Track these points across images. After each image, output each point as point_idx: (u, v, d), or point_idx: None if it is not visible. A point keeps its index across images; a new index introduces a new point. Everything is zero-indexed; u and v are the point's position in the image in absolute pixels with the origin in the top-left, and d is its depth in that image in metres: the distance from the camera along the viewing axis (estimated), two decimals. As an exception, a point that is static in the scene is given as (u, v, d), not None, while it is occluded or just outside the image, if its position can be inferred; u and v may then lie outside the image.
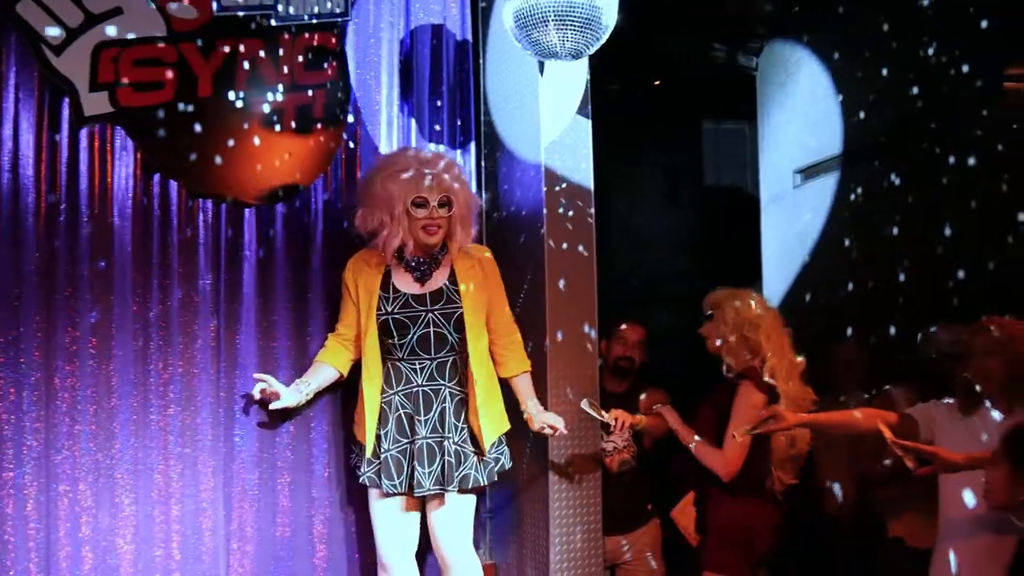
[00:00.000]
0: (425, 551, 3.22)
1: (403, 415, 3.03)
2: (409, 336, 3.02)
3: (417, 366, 3.04)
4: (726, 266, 5.48)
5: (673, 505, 3.59)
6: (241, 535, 3.10)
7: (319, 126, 3.28)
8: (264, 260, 3.17)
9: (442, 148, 3.65)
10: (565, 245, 3.41)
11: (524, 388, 3.18)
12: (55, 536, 2.80)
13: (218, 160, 3.08)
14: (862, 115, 4.42)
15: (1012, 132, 3.61)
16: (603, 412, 3.25)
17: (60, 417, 2.83)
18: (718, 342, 3.34)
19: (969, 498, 2.67)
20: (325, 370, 3.13)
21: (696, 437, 3.26)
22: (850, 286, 4.23)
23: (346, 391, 3.27)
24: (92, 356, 2.86)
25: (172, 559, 2.92)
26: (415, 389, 3.05)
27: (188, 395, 2.98)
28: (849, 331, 4.08)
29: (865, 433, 2.91)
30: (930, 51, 3.99)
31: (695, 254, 5.44)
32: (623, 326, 3.84)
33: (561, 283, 3.36)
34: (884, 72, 4.27)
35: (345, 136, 3.38)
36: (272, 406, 3.05)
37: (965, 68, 3.83)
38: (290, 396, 3.04)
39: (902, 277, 4.03)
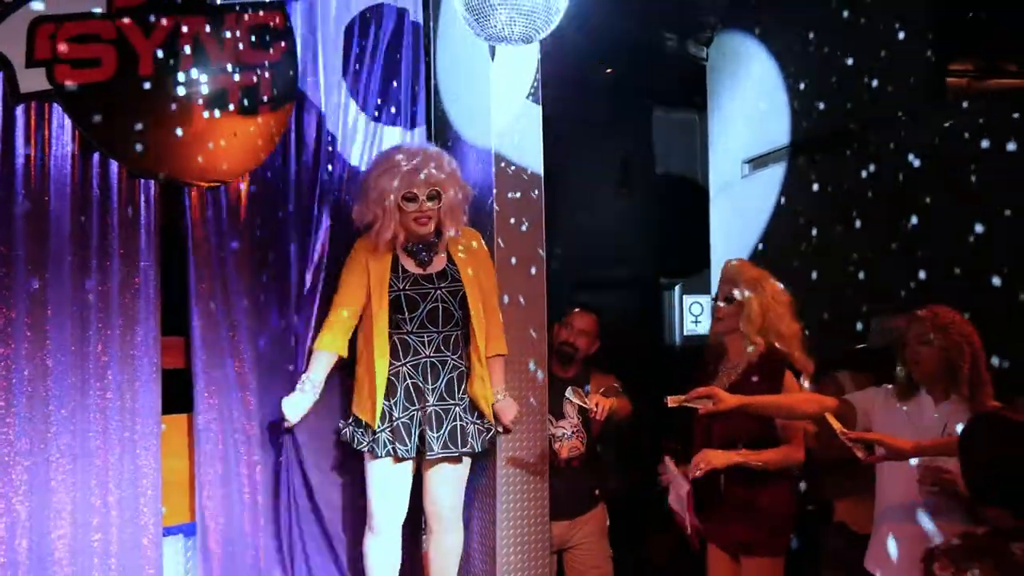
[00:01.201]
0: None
1: (411, 385, 3.22)
2: (419, 311, 3.24)
3: (425, 339, 3.25)
4: (675, 254, 5.55)
5: (622, 492, 3.59)
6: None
7: (265, 107, 3.23)
8: (206, 241, 3.11)
9: (397, 130, 3.62)
10: (514, 227, 3.42)
11: (497, 371, 3.37)
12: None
13: (160, 140, 3.00)
14: (810, 107, 4.48)
15: (952, 128, 3.69)
16: (587, 400, 3.33)
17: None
18: (744, 325, 3.15)
19: (906, 485, 2.72)
20: (327, 358, 3.26)
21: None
22: (797, 275, 4.29)
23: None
24: (27, 338, 2.78)
25: (110, 544, 2.86)
26: (423, 360, 3.24)
27: (128, 378, 2.91)
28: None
29: (802, 417, 2.95)
30: (877, 45, 4.05)
31: (645, 242, 5.47)
32: (572, 312, 3.81)
33: (513, 261, 3.42)
34: (832, 65, 4.34)
35: (292, 117, 3.34)
36: (296, 420, 3.17)
37: (910, 63, 3.90)
38: (306, 400, 3.19)
39: (849, 267, 4.11)
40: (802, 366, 3.14)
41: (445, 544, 3.30)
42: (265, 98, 3.23)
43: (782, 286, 3.24)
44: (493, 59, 3.35)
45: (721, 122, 5.18)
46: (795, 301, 3.22)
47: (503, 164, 3.40)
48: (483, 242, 3.40)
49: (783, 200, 4.62)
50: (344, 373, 3.32)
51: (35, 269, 2.81)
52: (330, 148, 3.44)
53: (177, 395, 3.15)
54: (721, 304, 3.23)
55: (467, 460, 3.31)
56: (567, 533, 3.68)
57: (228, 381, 3.16)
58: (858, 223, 4.11)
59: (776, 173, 4.68)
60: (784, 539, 3.16)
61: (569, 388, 3.34)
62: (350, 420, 3.28)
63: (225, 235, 3.17)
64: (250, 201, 3.23)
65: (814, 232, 4.37)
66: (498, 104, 3.40)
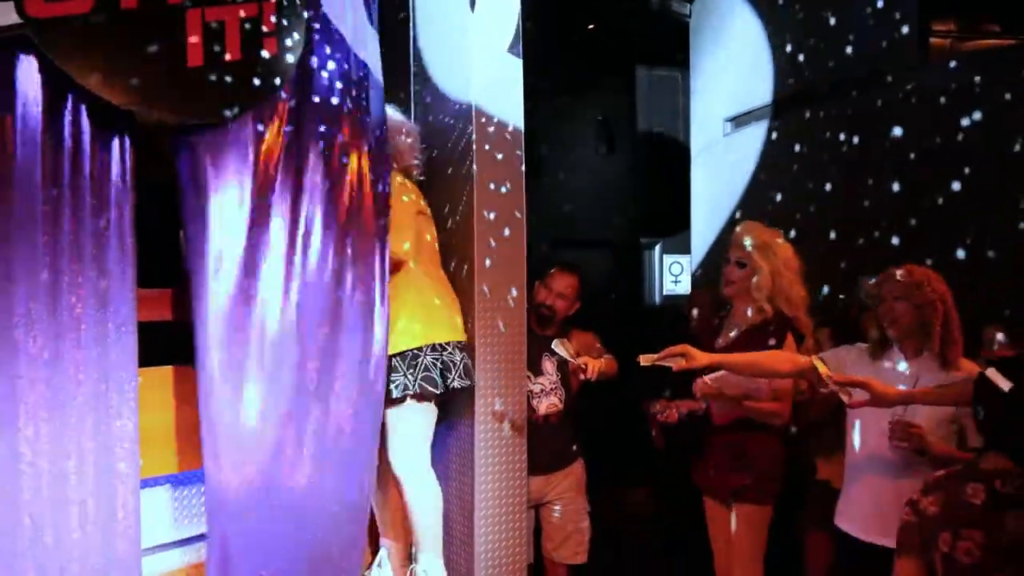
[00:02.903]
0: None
1: None
2: None
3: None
4: (656, 213, 5.55)
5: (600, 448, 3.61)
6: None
7: (271, 39, 3.02)
8: (195, 189, 3.01)
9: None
10: (493, 185, 3.39)
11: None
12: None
13: (145, 78, 2.85)
14: (793, 65, 4.46)
15: (934, 86, 3.69)
16: (574, 355, 3.31)
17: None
18: (754, 291, 3.22)
19: (876, 441, 2.76)
20: None
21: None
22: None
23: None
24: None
25: (86, 496, 2.83)
26: None
27: (101, 332, 2.86)
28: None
29: (777, 375, 2.97)
30: (861, 4, 4.03)
31: (625, 201, 5.47)
32: (552, 272, 3.79)
33: (491, 217, 3.37)
34: (815, 23, 4.32)
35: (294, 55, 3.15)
36: None
37: (893, 23, 3.89)
38: None
39: (828, 226, 4.12)
40: (805, 329, 3.23)
41: (405, 494, 3.24)
42: (269, 31, 3.00)
43: (792, 250, 3.29)
44: (473, 9, 3.30)
45: (703, 80, 5.16)
46: (803, 265, 3.28)
47: (483, 119, 3.36)
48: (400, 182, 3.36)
49: (765, 159, 4.62)
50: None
51: (4, 219, 2.71)
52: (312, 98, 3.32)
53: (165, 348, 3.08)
54: (733, 269, 3.28)
55: (409, 406, 3.21)
56: (544, 488, 3.71)
57: None
58: (841, 180, 4.12)
59: (758, 132, 4.67)
60: (772, 487, 3.26)
61: (556, 340, 3.32)
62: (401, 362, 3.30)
63: (205, 182, 3.04)
64: (241, 146, 3.06)
65: (794, 191, 4.38)
66: (478, 56, 3.36)
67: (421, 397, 3.19)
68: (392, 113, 3.40)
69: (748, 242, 3.26)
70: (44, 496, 2.74)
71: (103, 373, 2.83)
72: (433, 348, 3.19)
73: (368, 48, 3.27)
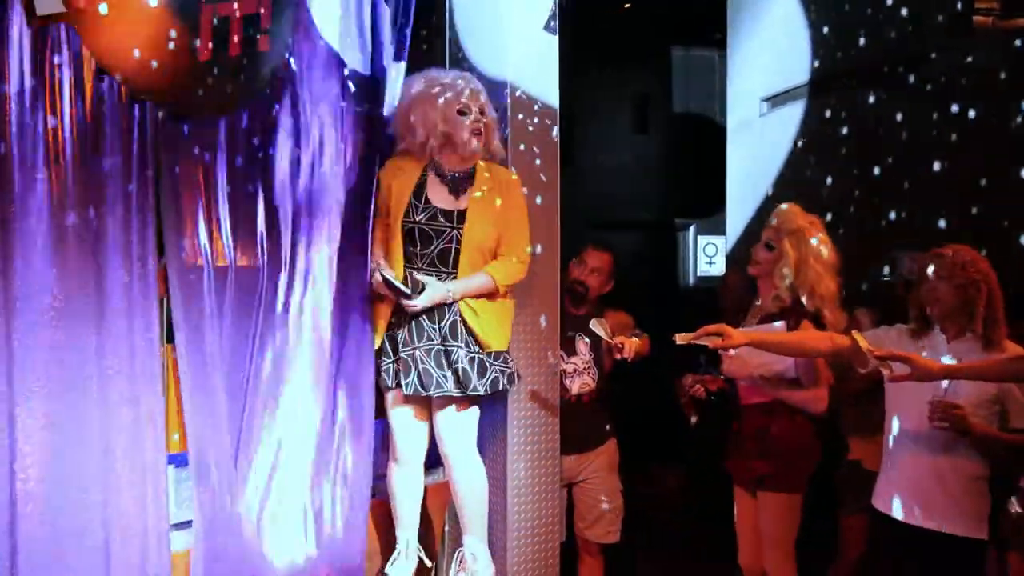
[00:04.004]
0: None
1: (415, 322, 3.15)
2: (431, 248, 3.16)
3: (436, 278, 3.15)
4: (691, 194, 5.51)
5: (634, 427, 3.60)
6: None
7: (265, 36, 3.12)
8: (206, 171, 3.06)
9: (403, 65, 3.57)
10: (528, 163, 3.38)
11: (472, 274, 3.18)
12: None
13: (161, 65, 2.92)
14: (831, 44, 4.40)
15: (976, 66, 3.62)
16: (611, 334, 3.25)
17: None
18: (776, 276, 3.16)
19: (916, 422, 2.72)
20: None
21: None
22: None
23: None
24: (31, 270, 2.75)
25: (118, 477, 2.87)
26: None
27: (125, 307, 2.89)
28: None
29: (814, 354, 2.95)
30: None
31: (661, 181, 5.44)
32: (586, 249, 3.80)
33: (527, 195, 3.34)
34: (853, 1, 4.25)
35: (298, 49, 3.25)
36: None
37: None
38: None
39: (864, 205, 4.07)
40: (832, 323, 3.10)
41: (457, 480, 3.25)
42: (266, 28, 3.11)
43: (828, 243, 3.17)
44: (509, -12, 3.29)
45: (740, 59, 5.10)
46: (839, 259, 3.16)
47: (518, 95, 3.35)
48: (520, 188, 3.26)
49: (801, 139, 4.57)
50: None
51: (55, 198, 2.75)
52: (341, 84, 3.38)
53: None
54: (761, 249, 3.22)
55: (474, 403, 3.22)
56: (577, 467, 3.72)
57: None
58: (878, 161, 4.06)
59: (795, 112, 4.62)
60: (801, 475, 3.18)
61: (593, 320, 3.29)
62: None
63: (220, 164, 3.08)
64: (251, 133, 3.13)
65: (831, 172, 4.33)
66: (514, 34, 3.34)
67: None
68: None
69: (781, 226, 3.18)
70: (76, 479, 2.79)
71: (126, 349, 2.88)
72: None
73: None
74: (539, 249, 3.39)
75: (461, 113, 3.13)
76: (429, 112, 3.14)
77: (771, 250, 3.18)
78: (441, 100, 3.13)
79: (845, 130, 4.28)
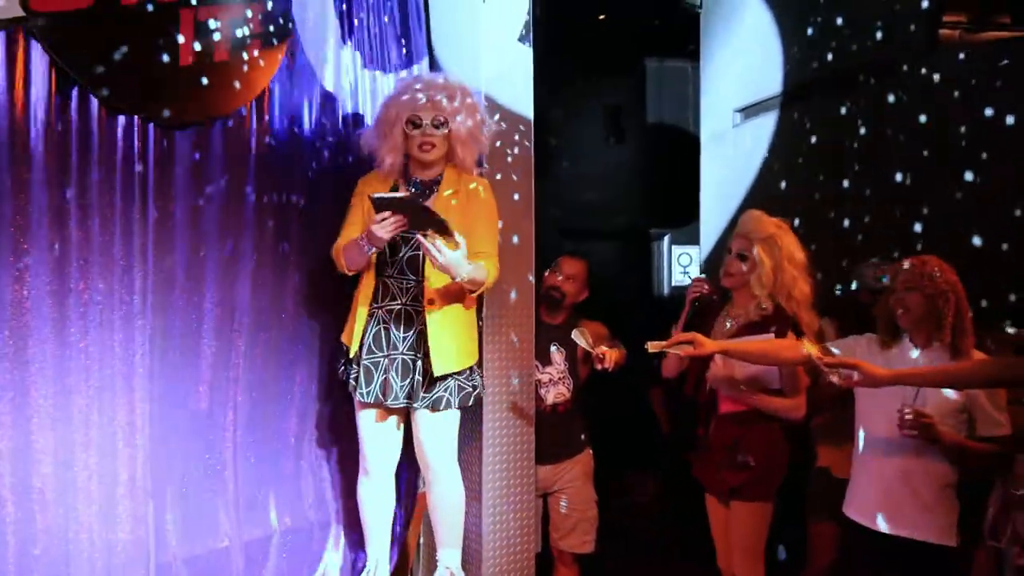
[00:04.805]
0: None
1: (382, 330, 3.14)
2: (400, 255, 3.13)
3: (403, 285, 3.14)
4: (666, 204, 5.55)
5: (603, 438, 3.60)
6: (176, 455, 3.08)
7: (254, 44, 3.13)
8: (190, 181, 3.06)
9: (390, 75, 3.58)
10: (502, 175, 3.40)
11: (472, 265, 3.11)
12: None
13: (141, 74, 2.90)
14: (802, 56, 4.45)
15: (944, 78, 3.67)
16: (592, 344, 3.24)
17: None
18: (754, 286, 3.14)
19: (885, 430, 2.76)
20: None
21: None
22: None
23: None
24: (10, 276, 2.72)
25: (92, 481, 2.84)
26: (398, 307, 3.14)
27: (107, 318, 2.87)
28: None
29: (784, 363, 2.97)
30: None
31: (635, 191, 5.47)
32: (560, 258, 3.81)
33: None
34: (826, 14, 4.30)
35: (283, 56, 3.26)
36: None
37: (904, 14, 3.87)
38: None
39: (835, 215, 4.11)
40: (807, 327, 3.11)
41: (436, 493, 3.24)
42: (255, 34, 3.12)
43: (797, 243, 3.17)
44: (484, 1, 3.30)
45: (713, 71, 5.15)
46: (808, 258, 3.17)
47: (492, 108, 3.36)
48: (489, 190, 3.23)
49: (774, 150, 4.61)
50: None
51: (12, 207, 2.72)
52: (322, 94, 3.39)
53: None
54: (734, 260, 3.20)
55: (452, 412, 3.19)
56: (552, 477, 3.73)
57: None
58: (848, 171, 4.10)
59: (768, 123, 4.66)
60: (772, 484, 3.19)
61: (575, 330, 3.29)
62: (344, 348, 3.24)
63: (204, 173, 3.08)
64: (237, 142, 3.16)
65: (803, 182, 4.37)
66: (488, 46, 3.36)
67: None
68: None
69: (751, 234, 3.17)
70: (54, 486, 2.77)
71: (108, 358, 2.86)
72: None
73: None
74: (515, 251, 3.40)
75: (414, 124, 3.12)
76: (384, 129, 3.15)
77: (744, 260, 3.17)
78: (394, 114, 3.14)
79: (816, 140, 4.32)
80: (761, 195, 4.66)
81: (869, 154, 3.99)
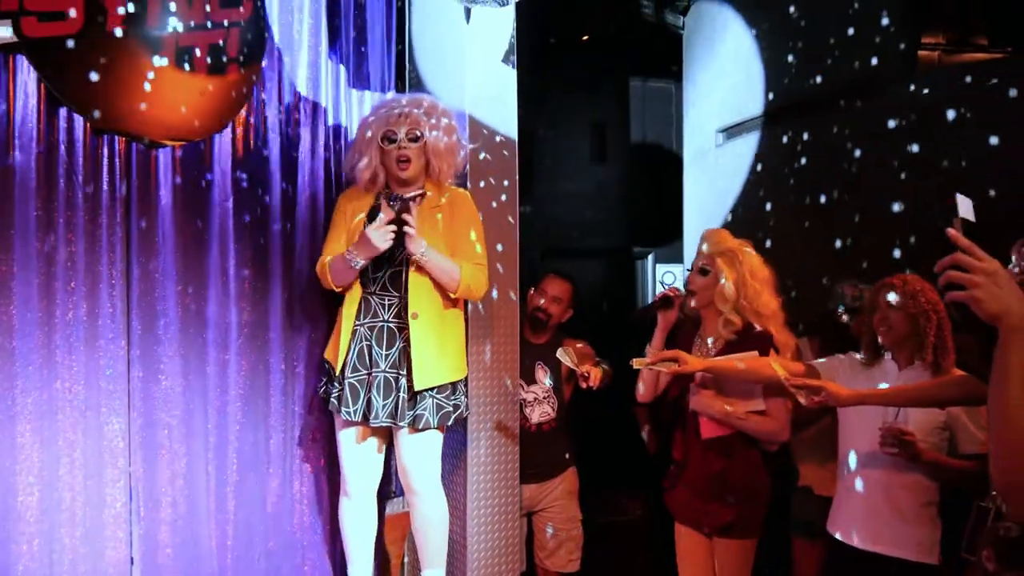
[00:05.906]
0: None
1: (365, 347, 3.13)
2: (382, 272, 3.13)
3: (386, 302, 3.13)
4: (649, 223, 5.59)
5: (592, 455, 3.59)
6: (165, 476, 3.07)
7: (233, 65, 3.17)
8: (173, 200, 3.07)
9: (367, 94, 3.60)
10: (487, 194, 3.41)
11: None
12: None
13: (126, 96, 2.93)
14: (784, 78, 4.50)
15: (924, 99, 3.72)
16: (577, 363, 3.23)
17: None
18: (718, 300, 3.05)
19: (868, 447, 2.77)
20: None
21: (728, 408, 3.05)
22: (767, 243, 4.33)
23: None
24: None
25: (76, 503, 2.84)
26: (380, 324, 3.13)
27: (92, 336, 2.87)
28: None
29: (767, 380, 2.97)
30: (851, 17, 4.07)
31: (619, 210, 5.50)
32: (546, 278, 3.81)
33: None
34: (807, 36, 4.35)
35: (262, 77, 3.30)
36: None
37: (883, 36, 3.92)
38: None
39: (820, 237, 4.14)
40: (783, 345, 3.06)
41: (419, 512, 3.21)
42: (232, 56, 3.16)
43: (760, 260, 3.12)
44: (468, 21, 3.32)
45: (696, 91, 5.19)
46: (774, 276, 3.12)
47: (477, 128, 3.38)
48: (470, 202, 3.24)
49: (756, 170, 4.65)
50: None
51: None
52: (299, 112, 3.42)
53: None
54: (696, 276, 3.14)
55: (433, 432, 3.16)
56: (537, 496, 3.72)
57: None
58: (830, 192, 4.14)
59: (750, 143, 4.70)
60: (759, 519, 3.07)
61: (560, 349, 3.26)
62: (326, 366, 3.23)
63: (185, 193, 3.10)
64: (216, 161, 3.18)
65: (785, 202, 4.40)
66: (473, 67, 3.38)
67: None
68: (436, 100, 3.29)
69: (711, 250, 3.11)
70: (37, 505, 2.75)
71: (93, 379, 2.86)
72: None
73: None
74: (500, 270, 3.41)
75: (389, 140, 3.13)
76: (361, 147, 3.17)
77: (706, 274, 3.09)
78: (369, 133, 3.16)
79: (797, 161, 4.36)
80: (743, 215, 4.69)
81: (851, 174, 4.03)
